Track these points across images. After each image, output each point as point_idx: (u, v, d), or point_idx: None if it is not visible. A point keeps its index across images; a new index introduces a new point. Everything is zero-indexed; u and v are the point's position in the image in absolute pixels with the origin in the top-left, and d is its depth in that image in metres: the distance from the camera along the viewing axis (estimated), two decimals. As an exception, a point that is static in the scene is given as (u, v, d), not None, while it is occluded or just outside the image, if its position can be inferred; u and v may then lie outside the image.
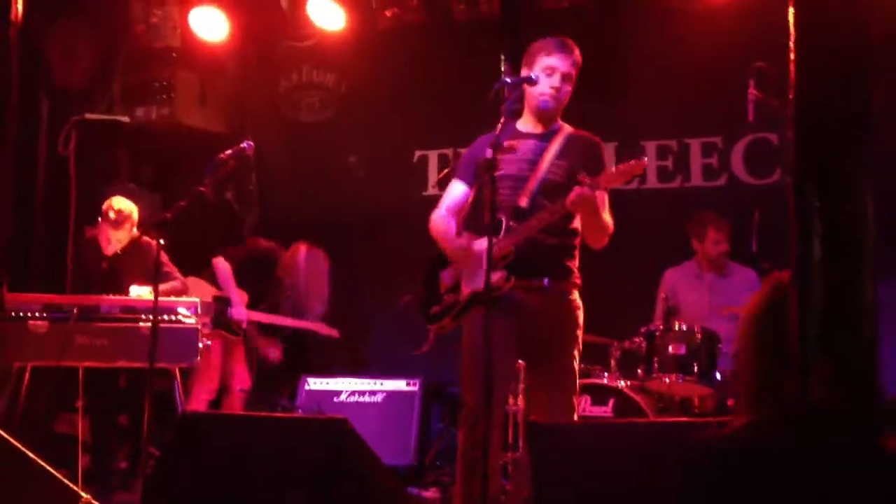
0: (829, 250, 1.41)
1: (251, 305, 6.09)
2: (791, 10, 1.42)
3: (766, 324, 1.76)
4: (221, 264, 5.98)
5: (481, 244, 3.73)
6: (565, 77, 3.74)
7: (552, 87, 3.72)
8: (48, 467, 3.85)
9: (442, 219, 3.92)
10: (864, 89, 1.47)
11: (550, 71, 3.74)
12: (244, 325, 5.94)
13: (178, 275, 5.75)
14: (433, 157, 6.92)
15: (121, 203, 5.76)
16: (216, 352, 5.74)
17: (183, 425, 3.26)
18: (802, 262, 1.42)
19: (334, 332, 6.24)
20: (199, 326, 5.17)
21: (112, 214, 5.70)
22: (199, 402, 5.74)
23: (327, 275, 6.51)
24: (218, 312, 5.73)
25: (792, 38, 1.44)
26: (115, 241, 5.70)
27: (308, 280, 6.41)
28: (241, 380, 6.07)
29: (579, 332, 3.76)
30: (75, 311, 5.08)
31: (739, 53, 4.92)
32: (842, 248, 1.42)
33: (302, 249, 6.46)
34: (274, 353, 6.29)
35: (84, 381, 5.17)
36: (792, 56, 1.45)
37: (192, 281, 5.87)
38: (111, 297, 5.26)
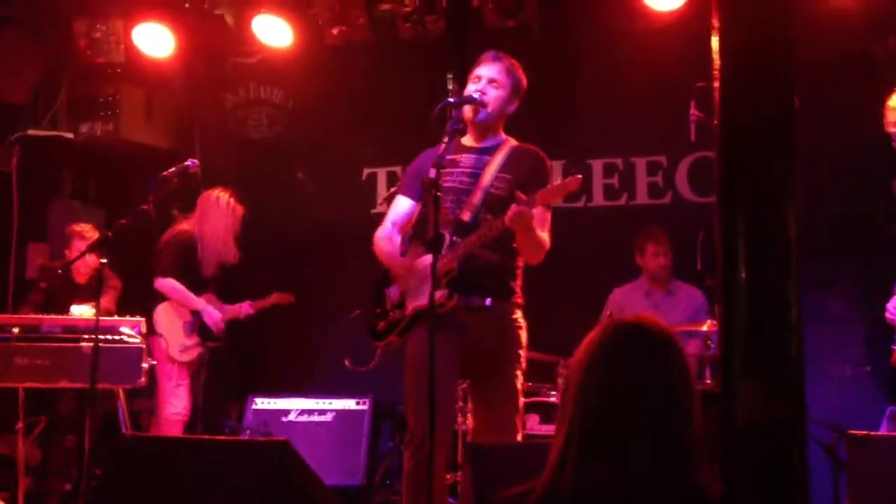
0: (754, 272, 1.44)
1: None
2: (714, 38, 1.45)
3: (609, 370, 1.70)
4: (167, 283, 5.49)
5: (425, 260, 3.72)
6: (491, 82, 3.76)
7: (476, 91, 3.74)
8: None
9: (385, 237, 3.90)
10: (787, 113, 1.50)
11: (476, 80, 3.78)
12: (221, 326, 5.54)
13: (107, 296, 5.75)
14: (382, 174, 6.92)
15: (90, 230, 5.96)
16: (185, 371, 5.44)
17: (121, 448, 3.20)
18: (728, 282, 1.44)
19: (290, 297, 5.89)
20: (143, 346, 5.10)
21: (94, 240, 5.70)
22: (170, 424, 5.38)
23: (223, 214, 5.62)
24: (201, 326, 5.51)
25: (715, 65, 1.47)
26: (85, 267, 5.78)
27: (201, 229, 5.59)
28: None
29: (522, 352, 3.76)
30: (15, 330, 4.99)
31: (682, 74, 4.99)
32: (766, 269, 1.45)
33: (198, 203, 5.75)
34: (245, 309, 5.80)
35: (26, 402, 5.08)
36: (716, 83, 1.48)
37: (162, 308, 5.53)
38: (52, 316, 5.18)
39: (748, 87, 1.46)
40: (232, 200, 5.67)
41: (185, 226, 5.66)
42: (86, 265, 5.77)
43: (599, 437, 1.65)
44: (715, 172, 1.54)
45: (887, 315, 4.41)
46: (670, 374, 1.65)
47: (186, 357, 5.41)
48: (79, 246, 5.72)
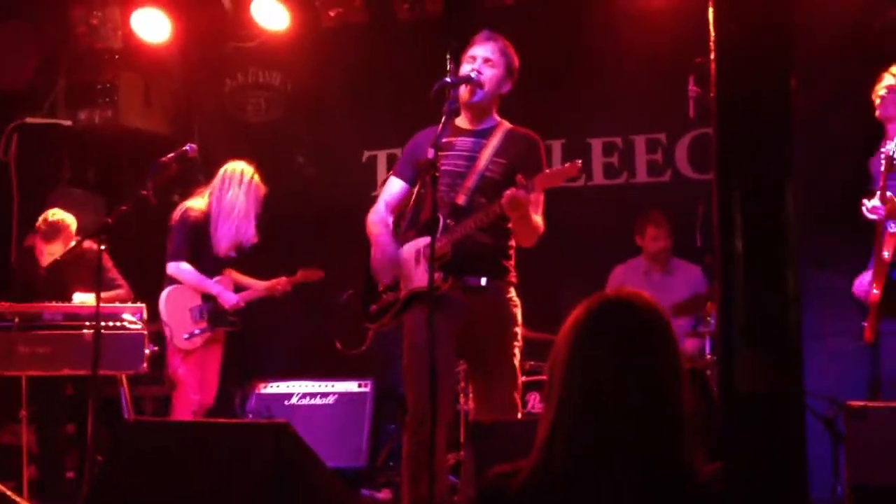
0: (751, 244, 1.43)
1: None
2: (710, 9, 1.44)
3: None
4: (175, 268, 5.19)
5: (416, 245, 3.73)
6: (486, 61, 3.76)
7: (472, 70, 3.73)
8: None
9: (378, 219, 3.91)
10: (785, 85, 1.48)
11: (472, 60, 3.77)
12: (241, 306, 5.26)
13: (122, 281, 5.66)
14: (382, 156, 6.90)
15: (55, 215, 5.62)
16: (192, 358, 5.24)
17: (124, 433, 3.21)
18: (725, 255, 1.44)
19: (318, 273, 5.57)
20: (145, 332, 5.10)
21: (45, 227, 5.58)
22: (181, 410, 5.27)
23: (244, 192, 5.29)
24: (212, 312, 5.22)
25: (712, 36, 1.46)
26: (48, 254, 5.54)
27: (218, 205, 5.24)
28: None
29: (518, 330, 3.77)
30: (17, 319, 4.99)
31: (681, 50, 4.97)
32: (763, 241, 1.44)
33: (216, 177, 5.39)
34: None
35: (30, 390, 5.08)
36: (712, 55, 1.47)
37: (170, 292, 5.23)
38: (54, 304, 5.18)
39: (747, 56, 1.45)
40: (256, 177, 5.38)
41: (196, 202, 5.31)
42: (40, 251, 5.60)
43: (586, 415, 1.64)
44: (712, 145, 1.54)
45: (854, 290, 4.43)
46: (657, 350, 1.65)
47: (191, 345, 5.22)
48: (40, 245, 5.62)
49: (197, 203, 5.31)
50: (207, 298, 5.23)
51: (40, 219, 5.62)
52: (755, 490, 1.43)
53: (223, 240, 5.23)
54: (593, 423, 1.63)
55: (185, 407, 5.25)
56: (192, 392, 5.22)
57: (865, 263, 4.55)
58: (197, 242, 5.23)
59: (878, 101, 4.52)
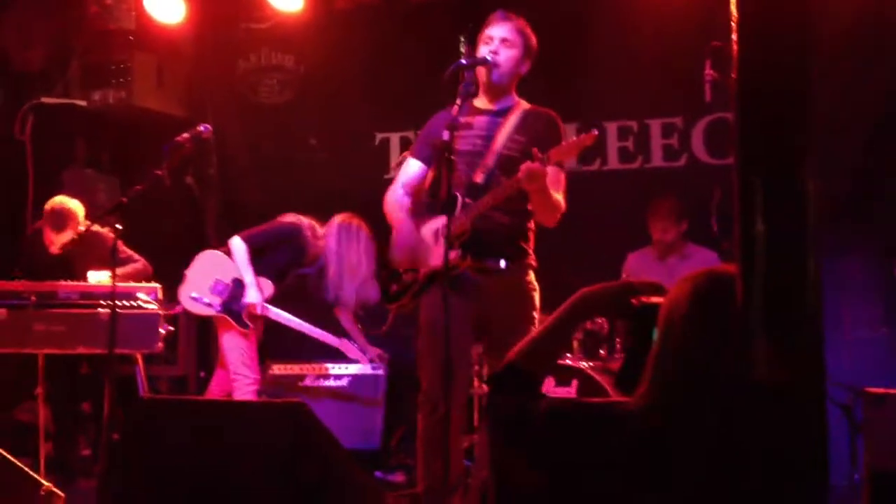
0: (772, 227, 1.42)
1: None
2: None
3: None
4: (236, 244, 5.15)
5: (434, 224, 3.72)
6: (503, 41, 3.74)
7: (489, 51, 3.71)
8: (9, 457, 3.82)
9: (396, 202, 3.91)
10: (806, 67, 1.47)
11: (489, 40, 3.75)
12: (256, 312, 5.10)
13: (138, 256, 5.68)
14: (395, 139, 6.89)
15: (62, 203, 5.63)
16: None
17: (139, 411, 3.23)
18: (746, 238, 1.43)
19: (364, 359, 5.50)
20: (161, 312, 5.12)
21: (52, 217, 5.60)
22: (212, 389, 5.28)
23: (364, 247, 5.29)
24: (231, 296, 5.12)
25: (734, 17, 1.45)
26: (57, 242, 5.55)
27: (340, 260, 5.24)
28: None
29: (535, 314, 3.76)
30: (33, 297, 5.03)
31: (697, 34, 4.94)
32: (784, 225, 1.43)
33: (333, 223, 5.36)
34: None
35: (45, 369, 5.12)
36: (734, 35, 1.46)
37: (209, 254, 5.27)
38: (69, 283, 5.20)
39: (769, 38, 1.44)
40: (368, 233, 5.32)
41: (318, 231, 5.32)
42: (49, 239, 5.62)
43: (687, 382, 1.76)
44: (732, 126, 1.53)
45: None
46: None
47: (191, 307, 5.13)
48: (48, 232, 5.62)
49: (314, 228, 5.32)
50: (238, 284, 5.16)
51: (47, 206, 5.64)
52: (776, 478, 1.43)
53: (350, 299, 5.29)
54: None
55: (219, 386, 5.25)
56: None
57: (879, 250, 4.53)
58: (275, 248, 5.24)
59: None
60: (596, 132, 3.46)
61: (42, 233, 5.70)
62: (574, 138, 3.55)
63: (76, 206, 5.66)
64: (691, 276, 1.93)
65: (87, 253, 5.43)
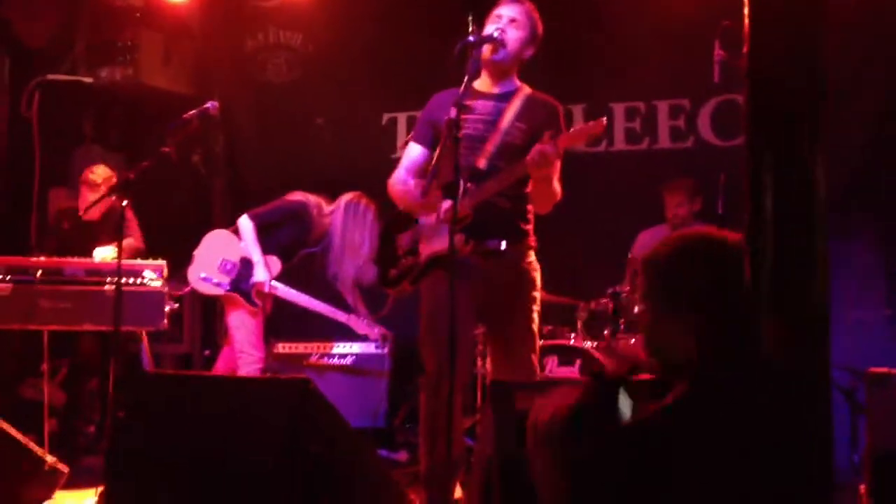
0: (782, 207, 1.42)
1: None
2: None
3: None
4: (243, 223, 5.16)
5: (440, 207, 3.72)
6: (512, 21, 3.72)
7: (496, 29, 3.70)
8: (13, 432, 3.84)
9: (401, 180, 3.90)
10: (819, 46, 1.46)
11: (497, 19, 3.74)
12: (264, 290, 5.08)
13: (133, 232, 5.73)
14: (402, 118, 6.88)
15: (105, 170, 5.90)
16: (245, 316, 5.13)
17: (142, 386, 3.24)
18: (755, 218, 1.42)
19: (374, 332, 5.42)
20: (166, 290, 5.13)
21: (92, 177, 5.78)
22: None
23: (369, 229, 5.28)
24: (240, 274, 5.11)
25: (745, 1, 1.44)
26: (97, 209, 5.63)
27: (343, 238, 5.26)
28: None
29: (537, 294, 3.77)
30: (39, 273, 5.03)
31: (708, 13, 4.91)
32: (794, 205, 1.43)
33: (341, 201, 5.37)
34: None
35: (53, 345, 5.14)
36: (746, 10, 1.45)
37: (217, 234, 5.28)
38: (75, 259, 5.21)
39: (781, 17, 1.43)
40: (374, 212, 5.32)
41: (324, 208, 5.34)
42: (85, 202, 5.70)
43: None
44: (743, 107, 1.52)
45: None
46: None
47: (202, 287, 5.14)
48: (86, 194, 5.73)
49: (321, 205, 5.33)
50: (246, 263, 5.16)
51: (98, 179, 5.81)
52: (780, 459, 1.43)
53: (348, 277, 5.28)
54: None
55: (225, 363, 5.27)
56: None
57: (886, 233, 4.53)
58: (281, 226, 5.24)
59: None
60: (605, 120, 3.44)
61: (69, 210, 5.76)
62: (583, 125, 3.53)
63: (111, 174, 5.89)
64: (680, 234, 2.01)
65: (105, 226, 5.57)
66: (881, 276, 5.39)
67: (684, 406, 1.82)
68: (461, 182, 3.60)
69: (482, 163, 3.70)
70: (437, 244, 3.69)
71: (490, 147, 3.71)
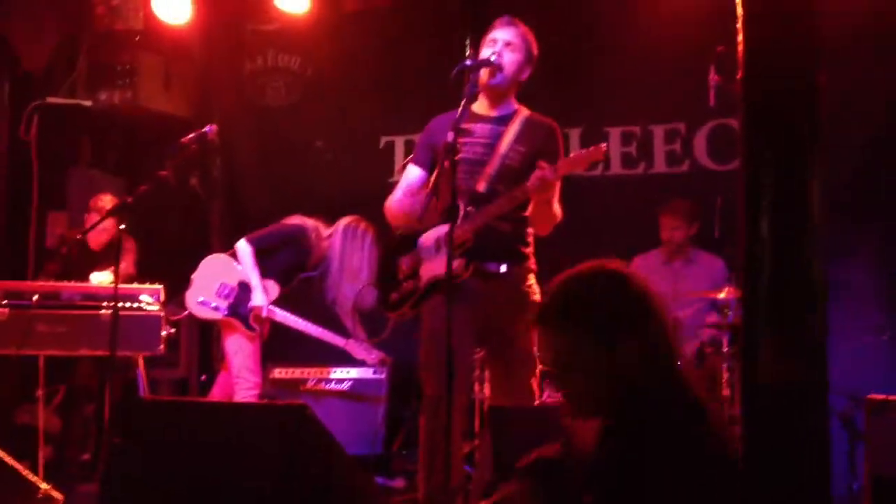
0: (778, 229, 1.42)
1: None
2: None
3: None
4: (241, 247, 5.13)
5: (436, 232, 3.73)
6: (507, 45, 3.74)
7: (493, 53, 3.71)
8: (7, 458, 3.81)
9: (399, 201, 3.90)
10: (812, 70, 1.47)
11: (492, 43, 3.76)
12: (262, 315, 5.06)
13: (126, 257, 5.73)
14: (399, 142, 6.89)
15: (110, 198, 5.93)
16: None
17: (136, 413, 3.21)
18: (751, 240, 1.42)
19: (372, 357, 5.34)
20: (162, 314, 5.11)
21: (101, 204, 5.83)
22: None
23: (367, 253, 5.24)
24: (238, 299, 5.09)
25: (740, 19, 1.44)
26: (104, 237, 5.71)
27: (341, 262, 5.22)
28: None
29: None
30: (35, 297, 5.02)
31: (703, 39, 4.93)
32: (790, 226, 1.43)
33: (340, 224, 5.34)
34: None
35: (49, 371, 5.11)
36: (740, 37, 1.46)
37: (214, 258, 5.28)
38: (72, 283, 5.20)
39: (774, 41, 1.44)
40: (372, 236, 5.28)
41: (322, 232, 5.31)
42: (98, 234, 5.75)
43: None
44: (739, 130, 1.52)
45: None
46: None
47: (198, 311, 5.11)
48: (95, 219, 5.74)
49: (319, 230, 5.31)
50: (244, 287, 5.14)
51: (107, 205, 5.78)
52: (779, 481, 1.42)
53: (347, 301, 5.24)
54: None
55: (222, 389, 5.25)
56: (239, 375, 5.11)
57: (881, 257, 4.52)
58: (280, 250, 5.22)
59: None
60: (605, 146, 3.47)
61: (79, 239, 5.79)
62: (584, 150, 3.55)
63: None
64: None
65: (109, 253, 5.54)
66: (880, 297, 5.37)
67: (608, 448, 1.78)
68: (461, 205, 3.61)
69: (482, 186, 3.71)
70: (437, 268, 3.69)
71: (489, 170, 3.73)
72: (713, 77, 4.39)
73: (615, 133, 6.39)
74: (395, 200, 3.92)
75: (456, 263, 3.51)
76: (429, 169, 3.88)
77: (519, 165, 3.70)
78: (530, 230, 3.81)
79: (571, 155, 3.58)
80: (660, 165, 6.33)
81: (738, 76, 1.45)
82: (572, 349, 1.84)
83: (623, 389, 1.76)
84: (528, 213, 3.73)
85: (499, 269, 3.68)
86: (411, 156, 4.17)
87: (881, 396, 2.98)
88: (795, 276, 1.41)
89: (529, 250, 3.81)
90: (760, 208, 1.42)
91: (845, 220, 4.90)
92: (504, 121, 3.81)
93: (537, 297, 3.77)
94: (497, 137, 3.77)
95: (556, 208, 3.69)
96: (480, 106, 3.85)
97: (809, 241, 1.41)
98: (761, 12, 1.50)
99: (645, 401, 1.72)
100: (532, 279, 3.78)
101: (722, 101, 4.47)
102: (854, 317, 5.07)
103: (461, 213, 3.62)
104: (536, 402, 3.75)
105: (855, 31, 5.32)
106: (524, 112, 3.86)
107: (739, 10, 1.49)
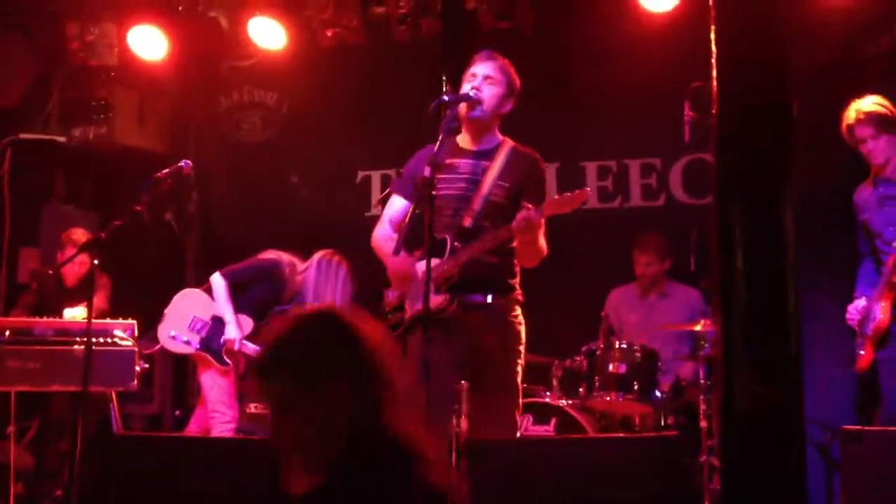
0: (752, 260, 1.43)
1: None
2: (713, 28, 1.45)
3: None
4: (216, 281, 5.14)
5: (422, 266, 3.73)
6: (487, 78, 3.78)
7: (472, 88, 3.74)
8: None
9: (384, 236, 3.91)
10: (785, 106, 1.49)
11: (472, 77, 3.79)
12: (234, 349, 5.01)
13: (99, 291, 5.69)
14: (376, 177, 6.90)
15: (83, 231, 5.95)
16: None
17: (112, 448, 3.18)
18: (725, 272, 1.44)
19: None
20: (136, 349, 5.07)
21: (75, 237, 5.82)
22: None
23: (341, 286, 5.21)
24: (210, 333, 5.09)
25: (714, 54, 1.47)
26: (77, 273, 5.70)
27: (315, 295, 5.16)
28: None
29: (521, 348, 3.78)
30: (7, 333, 4.96)
31: (676, 75, 5.00)
32: (764, 258, 1.44)
33: (314, 258, 5.31)
34: None
35: (22, 406, 5.05)
36: (714, 72, 1.48)
37: (188, 292, 5.31)
38: (44, 319, 5.15)
39: (747, 76, 1.46)
40: (347, 271, 5.26)
41: (298, 266, 5.30)
42: (74, 269, 5.73)
43: None
44: (713, 165, 1.54)
45: (848, 317, 4.43)
46: None
47: (171, 346, 5.10)
48: (71, 253, 5.72)
49: (294, 264, 5.29)
50: (217, 322, 5.12)
51: (80, 239, 5.76)
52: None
53: None
54: None
55: (199, 423, 5.21)
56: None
57: (852, 288, 4.56)
58: (254, 285, 5.22)
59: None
60: (589, 190, 3.53)
61: (53, 274, 5.75)
62: (569, 193, 3.59)
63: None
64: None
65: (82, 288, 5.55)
66: (850, 329, 5.41)
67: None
68: (448, 240, 3.64)
69: (468, 222, 3.76)
70: (422, 302, 3.69)
71: (475, 206, 3.76)
72: (688, 113, 4.45)
73: (591, 167, 6.44)
74: (382, 238, 3.92)
75: (441, 298, 3.54)
76: (412, 199, 3.89)
77: (503, 201, 3.74)
78: (517, 262, 3.83)
79: (556, 197, 3.64)
80: (636, 199, 6.38)
81: (713, 111, 1.47)
82: (286, 397, 1.81)
83: (338, 439, 1.75)
84: (515, 246, 3.76)
85: (485, 300, 3.69)
86: (388, 189, 4.18)
87: (856, 427, 3.01)
88: (770, 307, 1.43)
89: (516, 281, 3.83)
90: (734, 241, 1.43)
91: (814, 253, 4.94)
92: (488, 155, 3.84)
93: (522, 327, 3.79)
94: (481, 173, 3.80)
95: (542, 243, 3.72)
96: (464, 140, 3.88)
97: (783, 271, 1.43)
98: (734, 50, 1.53)
99: (354, 452, 1.73)
100: (518, 310, 3.81)
101: (697, 137, 4.52)
102: (826, 349, 5.10)
103: (448, 247, 3.65)
104: (518, 433, 3.75)
105: (823, 69, 5.42)
106: (508, 144, 3.89)
107: (713, 48, 1.51)
